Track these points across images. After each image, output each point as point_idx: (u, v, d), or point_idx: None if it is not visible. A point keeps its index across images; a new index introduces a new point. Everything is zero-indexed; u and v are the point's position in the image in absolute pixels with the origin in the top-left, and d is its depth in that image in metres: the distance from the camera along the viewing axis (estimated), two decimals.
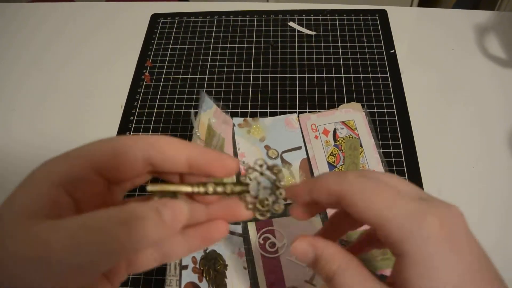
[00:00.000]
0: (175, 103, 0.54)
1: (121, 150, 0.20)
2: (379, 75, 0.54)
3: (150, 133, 0.51)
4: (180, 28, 0.63)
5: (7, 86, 0.59)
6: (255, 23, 0.62)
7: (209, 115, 0.44)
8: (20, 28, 0.66)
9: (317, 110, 0.51)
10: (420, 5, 1.02)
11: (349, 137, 0.48)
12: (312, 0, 0.64)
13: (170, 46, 0.61)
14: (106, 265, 0.18)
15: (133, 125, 0.52)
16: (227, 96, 0.54)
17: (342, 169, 0.46)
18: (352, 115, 0.50)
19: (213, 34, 0.61)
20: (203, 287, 0.36)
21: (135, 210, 0.18)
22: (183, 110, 0.53)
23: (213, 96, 0.54)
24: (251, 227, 0.43)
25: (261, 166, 0.23)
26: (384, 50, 0.57)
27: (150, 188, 0.21)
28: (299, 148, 0.48)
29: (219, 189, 0.22)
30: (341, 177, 0.22)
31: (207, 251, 0.38)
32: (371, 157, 0.46)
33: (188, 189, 0.22)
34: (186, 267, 0.35)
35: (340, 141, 0.48)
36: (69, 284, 0.17)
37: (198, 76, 0.57)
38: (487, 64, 0.55)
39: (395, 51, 0.57)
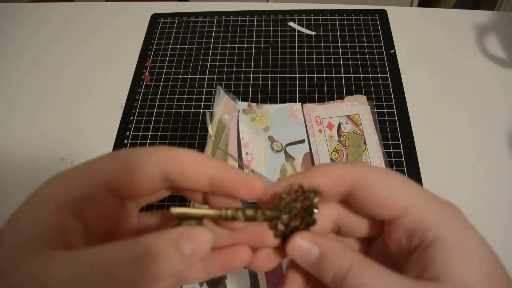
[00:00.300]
0: (175, 103, 0.54)
1: (135, 165, 0.18)
2: (379, 75, 0.54)
3: (150, 133, 0.51)
4: (180, 28, 0.63)
5: (7, 86, 0.59)
6: (255, 23, 0.62)
7: (221, 108, 0.44)
8: (20, 28, 0.66)
9: (318, 101, 0.50)
10: (420, 5, 1.02)
11: (354, 132, 0.47)
12: (312, 0, 0.64)
13: (170, 46, 0.61)
14: None
15: (133, 125, 0.52)
16: None
17: None
18: (358, 109, 0.49)
19: (213, 34, 0.61)
20: None
21: (150, 245, 0.16)
22: (183, 110, 0.53)
23: (213, 96, 0.54)
24: None
25: (296, 191, 0.20)
26: (384, 50, 0.57)
27: (174, 211, 0.19)
28: (302, 141, 0.48)
29: (250, 214, 0.20)
30: (353, 163, 0.20)
31: None
32: (374, 155, 0.46)
33: (215, 213, 0.20)
34: None
35: (344, 136, 0.47)
36: None
37: (198, 76, 0.57)
38: (487, 64, 0.55)
39: (395, 51, 0.57)
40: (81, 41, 0.63)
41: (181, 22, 0.63)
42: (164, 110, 0.53)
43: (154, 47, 0.61)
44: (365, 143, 0.47)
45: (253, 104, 0.50)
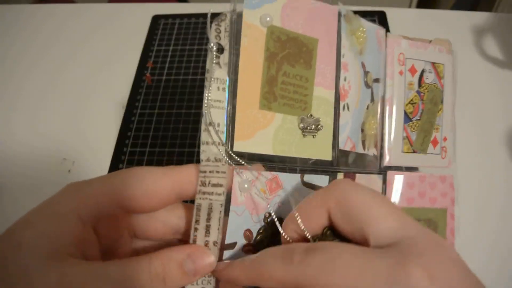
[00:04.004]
0: (176, 104, 0.54)
1: (151, 187, 0.20)
2: None
3: (151, 133, 0.52)
4: (181, 29, 0.63)
5: (9, 86, 0.59)
6: None
7: (271, 10, 0.26)
8: (21, 30, 0.66)
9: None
10: (419, 6, 1.03)
11: (434, 86, 0.38)
12: None
13: (171, 47, 0.61)
14: None
15: (135, 125, 0.53)
16: None
17: (417, 125, 0.36)
18: (444, 58, 0.39)
19: None
20: None
21: (158, 266, 0.19)
22: (183, 111, 0.54)
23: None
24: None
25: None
26: None
27: None
28: (377, 80, 0.35)
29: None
30: (285, 260, 0.18)
31: (269, 219, 0.25)
32: (447, 119, 0.38)
33: None
34: (232, 245, 0.24)
35: (424, 88, 0.38)
36: None
37: (198, 77, 0.57)
38: (485, 65, 0.55)
39: None
40: (82, 42, 0.64)
41: (182, 24, 0.64)
42: (165, 111, 0.54)
43: (155, 48, 0.61)
44: (442, 102, 0.38)
45: (350, 13, 0.32)
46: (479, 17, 0.60)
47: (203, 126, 0.22)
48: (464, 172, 0.46)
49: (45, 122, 0.55)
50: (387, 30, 0.59)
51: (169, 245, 0.23)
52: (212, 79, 0.23)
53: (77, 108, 0.56)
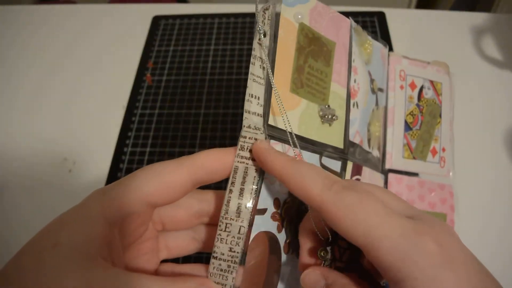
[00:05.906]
0: (176, 104, 0.55)
1: (169, 179, 0.21)
2: None
3: (151, 133, 0.52)
4: (181, 30, 0.63)
5: (9, 86, 0.59)
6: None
7: (302, 10, 0.30)
8: (22, 30, 0.66)
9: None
10: (418, 6, 1.03)
11: (433, 101, 0.41)
12: None
13: (172, 48, 0.61)
14: None
15: (135, 126, 0.53)
16: (227, 97, 0.55)
17: (417, 134, 0.40)
18: (442, 77, 0.43)
19: (214, 36, 0.62)
20: (280, 238, 0.27)
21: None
22: (184, 111, 0.54)
23: (214, 96, 0.55)
24: (349, 168, 0.33)
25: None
26: None
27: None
28: (381, 90, 0.39)
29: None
30: (325, 183, 0.20)
31: None
32: (446, 132, 0.42)
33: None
34: (263, 211, 0.25)
35: (423, 102, 0.41)
36: None
37: (199, 77, 0.57)
38: (484, 66, 0.56)
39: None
40: (83, 42, 0.64)
41: (182, 24, 0.64)
42: (166, 111, 0.54)
43: (156, 48, 0.61)
44: (440, 116, 0.42)
45: (359, 27, 0.37)
46: (478, 18, 0.60)
47: (246, 96, 0.24)
48: (464, 173, 0.47)
49: (45, 122, 0.55)
50: (387, 30, 0.60)
51: (196, 231, 0.26)
52: (256, 57, 0.25)
53: (78, 108, 0.56)
